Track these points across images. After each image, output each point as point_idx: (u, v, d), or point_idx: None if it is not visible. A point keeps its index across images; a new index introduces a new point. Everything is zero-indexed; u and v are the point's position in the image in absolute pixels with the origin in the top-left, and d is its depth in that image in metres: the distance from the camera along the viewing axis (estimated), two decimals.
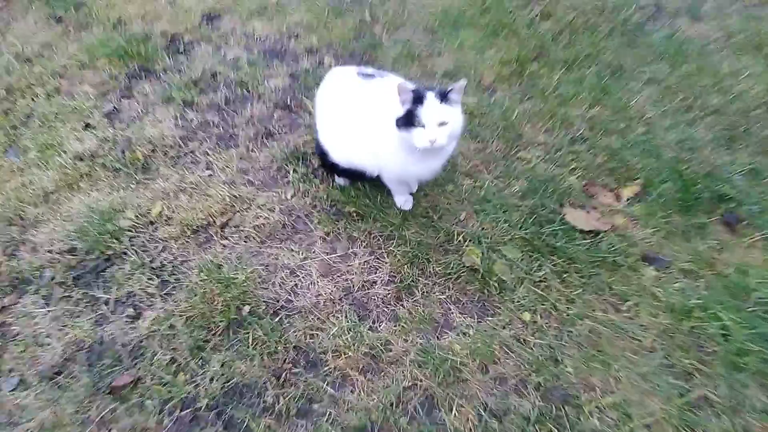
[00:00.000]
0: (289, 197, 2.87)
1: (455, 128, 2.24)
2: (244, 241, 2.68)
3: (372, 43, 3.65)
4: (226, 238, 2.69)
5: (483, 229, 2.70)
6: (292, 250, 2.66)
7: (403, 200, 2.81)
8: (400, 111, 2.26)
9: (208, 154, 3.04)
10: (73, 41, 3.69)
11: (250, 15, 3.89)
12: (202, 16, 3.84)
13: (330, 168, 2.82)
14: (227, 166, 2.99)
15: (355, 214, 2.79)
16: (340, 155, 2.68)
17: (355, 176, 2.74)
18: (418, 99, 2.19)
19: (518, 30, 3.66)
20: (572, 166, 2.95)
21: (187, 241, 2.65)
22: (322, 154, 2.77)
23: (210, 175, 2.94)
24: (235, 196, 2.84)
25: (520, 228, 2.69)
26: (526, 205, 2.79)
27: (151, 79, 3.41)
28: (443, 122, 2.18)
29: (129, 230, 2.67)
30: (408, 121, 2.21)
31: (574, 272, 2.53)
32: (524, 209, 2.77)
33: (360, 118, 2.50)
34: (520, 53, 3.49)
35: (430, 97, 2.19)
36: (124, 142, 3.04)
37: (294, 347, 2.29)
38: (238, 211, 2.79)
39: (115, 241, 2.62)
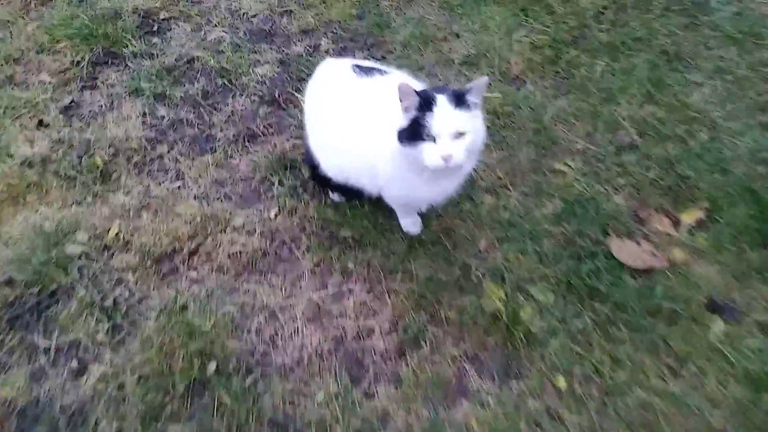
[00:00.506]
0: (272, 216, 2.40)
1: (475, 140, 1.76)
2: (217, 274, 2.22)
3: (378, 23, 3.09)
4: (195, 269, 2.24)
5: (507, 262, 2.21)
6: (274, 285, 2.20)
7: (409, 223, 2.32)
8: (403, 120, 1.77)
9: (179, 161, 2.56)
10: (33, 19, 3.20)
11: None
12: None
13: (322, 181, 2.33)
14: (201, 176, 2.51)
15: (351, 240, 2.31)
16: (332, 169, 2.18)
17: (352, 193, 2.26)
18: (426, 104, 1.71)
19: (553, 5, 3.07)
20: (619, 183, 2.42)
21: (147, 273, 2.20)
22: (313, 165, 2.28)
23: (180, 187, 2.47)
24: (208, 215, 2.37)
25: (554, 262, 2.19)
26: (561, 231, 2.28)
27: (119, 66, 2.91)
28: (460, 133, 1.71)
29: (79, 258, 2.23)
30: (414, 133, 1.73)
31: (621, 323, 2.03)
32: (559, 237, 2.27)
33: (354, 126, 2.00)
34: (556, 35, 2.91)
35: (442, 101, 1.71)
36: (81, 145, 2.58)
37: (269, 420, 1.86)
38: (211, 235, 2.33)
39: (61, 271, 2.18)
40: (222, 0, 3.24)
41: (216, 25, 3.10)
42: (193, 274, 2.23)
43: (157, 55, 2.95)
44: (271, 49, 2.98)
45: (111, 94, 2.80)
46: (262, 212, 2.41)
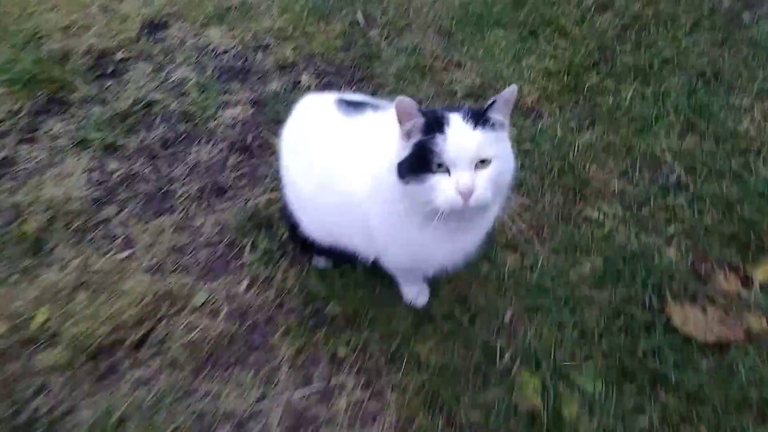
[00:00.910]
0: (242, 290, 1.93)
1: (503, 170, 1.32)
2: (169, 370, 1.74)
3: (367, 54, 2.71)
4: (141, 365, 1.76)
5: (541, 339, 1.74)
6: (243, 384, 1.71)
7: (414, 293, 1.86)
8: (404, 148, 1.34)
9: (128, 225, 2.11)
10: None
11: (207, 21, 2.98)
12: (142, 25, 2.94)
13: (304, 243, 1.88)
14: (155, 243, 2.06)
15: (341, 318, 1.84)
16: (316, 229, 1.74)
17: (342, 256, 1.81)
18: (434, 124, 1.29)
19: (567, 27, 2.70)
20: (669, 231, 1.98)
21: (78, 374, 1.72)
22: (292, 224, 1.84)
23: (128, 258, 2.01)
24: (161, 293, 1.90)
25: (601, 338, 1.73)
26: (605, 297, 1.82)
27: (64, 114, 2.50)
28: (482, 160, 1.28)
29: None
30: (419, 163, 1.30)
31: (697, 418, 1.55)
32: (603, 305, 1.81)
33: (340, 173, 1.57)
34: (573, 59, 2.53)
35: (456, 121, 1.29)
36: (10, 211, 2.14)
37: None
38: (165, 318, 1.86)
39: None
40: (189, 36, 2.86)
41: (180, 64, 2.70)
42: (139, 372, 1.74)
43: (110, 100, 2.54)
44: (243, 88, 2.58)
45: (53, 148, 2.37)
46: (230, 285, 1.95)
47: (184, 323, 1.84)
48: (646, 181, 2.11)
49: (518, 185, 2.13)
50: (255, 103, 2.51)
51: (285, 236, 2.04)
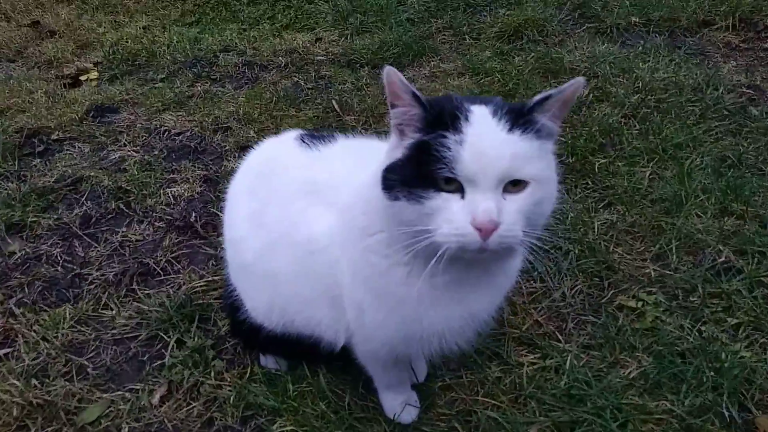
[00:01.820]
0: (156, 402, 1.41)
1: (544, 197, 0.95)
2: None
3: None
4: None
5: None
6: None
7: (398, 403, 1.37)
8: (394, 146, 0.98)
9: (13, 316, 1.63)
10: None
11: (163, 107, 2.76)
12: (88, 109, 2.70)
13: (248, 336, 1.42)
14: (45, 339, 1.56)
15: None
16: (263, 307, 1.30)
17: (298, 351, 1.34)
18: (445, 117, 0.91)
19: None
20: (730, 322, 1.57)
21: None
22: (233, 308, 1.39)
23: (3, 358, 1.50)
24: (37, 405, 1.38)
25: None
26: (665, 408, 1.35)
27: None
28: (516, 181, 0.91)
29: None
30: (417, 175, 0.93)
31: None
32: (666, 419, 1.33)
33: (299, 216, 1.18)
34: (576, 143, 2.30)
35: (482, 117, 0.92)
36: None
37: None
38: None
39: None
40: (140, 120, 2.60)
41: (125, 145, 2.41)
42: None
43: (31, 177, 2.18)
44: (195, 166, 2.25)
45: None
46: (140, 395, 1.43)
47: None
48: (689, 265, 1.75)
49: (528, 269, 1.74)
50: (206, 180, 2.17)
51: (225, 329, 1.57)
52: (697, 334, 1.52)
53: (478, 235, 0.88)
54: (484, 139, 0.89)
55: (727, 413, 1.32)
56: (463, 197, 0.90)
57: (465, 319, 1.08)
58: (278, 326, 1.31)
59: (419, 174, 0.91)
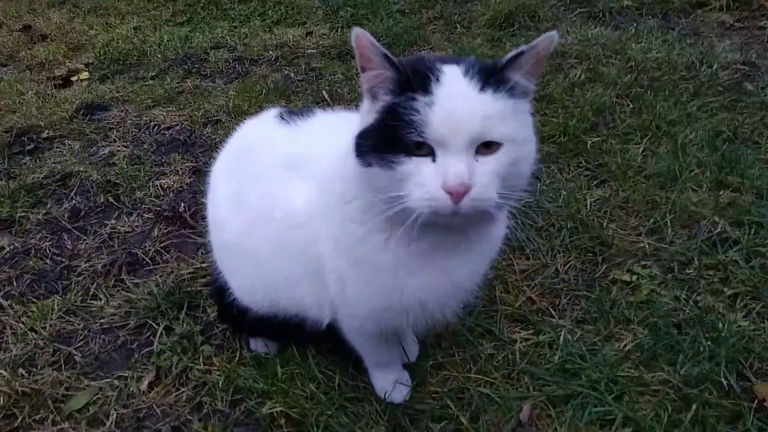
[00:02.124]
0: (144, 388, 1.40)
1: (520, 158, 0.92)
2: None
3: None
4: None
5: None
6: None
7: (389, 382, 1.35)
8: (366, 112, 0.95)
9: (1, 308, 1.62)
10: None
11: (153, 104, 2.76)
12: (78, 108, 2.70)
13: (236, 319, 1.40)
14: (33, 330, 1.55)
15: (282, 419, 1.30)
16: (247, 287, 1.29)
17: (285, 333, 1.33)
18: (415, 79, 0.88)
19: (555, 96, 2.50)
20: (728, 293, 1.54)
21: None
22: (221, 294, 1.38)
23: None
24: (23, 394, 1.36)
25: None
26: (662, 379, 1.33)
27: None
28: (488, 142, 0.89)
29: None
30: (388, 140, 0.91)
31: None
32: (663, 390, 1.30)
33: (278, 190, 1.16)
34: (567, 123, 2.28)
35: (453, 77, 0.89)
36: None
37: None
38: (19, 430, 1.30)
39: None
40: (130, 117, 2.59)
41: (114, 141, 2.40)
42: None
43: (20, 174, 2.18)
44: (184, 159, 2.24)
45: None
46: (128, 382, 1.41)
47: None
48: (684, 238, 1.72)
49: (520, 247, 1.72)
50: (195, 172, 2.15)
51: (214, 315, 1.56)
52: (693, 304, 1.49)
53: (450, 198, 0.86)
54: (454, 100, 0.87)
55: (725, 382, 1.30)
56: (434, 161, 0.88)
57: (446, 287, 1.07)
58: (263, 307, 1.29)
59: (390, 139, 0.89)
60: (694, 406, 1.25)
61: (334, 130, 1.13)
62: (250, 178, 1.24)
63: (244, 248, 1.25)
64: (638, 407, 1.27)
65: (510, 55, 0.90)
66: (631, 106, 2.42)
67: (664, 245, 1.70)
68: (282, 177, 1.17)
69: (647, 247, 1.71)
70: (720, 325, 1.42)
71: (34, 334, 1.54)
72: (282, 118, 1.27)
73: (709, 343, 1.38)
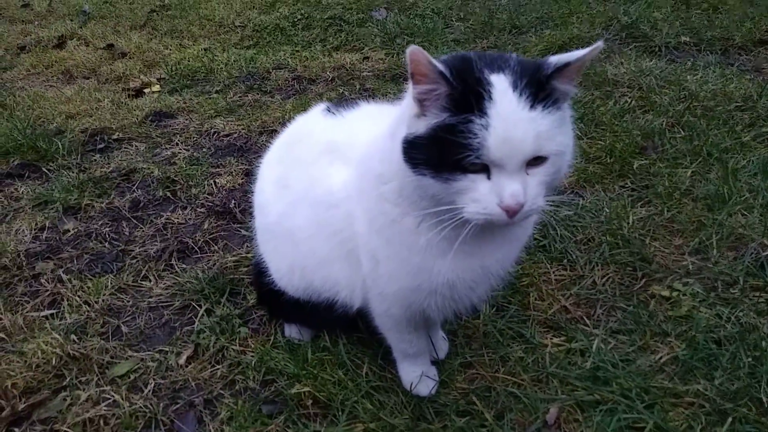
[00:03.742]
0: (182, 362, 1.46)
1: (563, 165, 0.96)
2: None
3: None
4: None
5: None
6: None
7: (415, 375, 1.36)
8: (414, 117, 0.95)
9: (62, 282, 1.73)
10: None
11: (215, 114, 2.91)
12: (147, 115, 2.89)
13: (273, 304, 1.46)
14: (87, 303, 1.65)
15: (309, 401, 1.33)
16: (285, 269, 1.34)
17: (319, 320, 1.36)
18: (469, 97, 0.89)
19: (605, 121, 2.49)
20: None
21: None
22: (261, 279, 1.43)
23: (49, 317, 1.59)
24: (72, 357, 1.45)
25: None
26: (696, 391, 1.28)
27: (36, 180, 2.29)
28: (539, 156, 0.92)
29: None
30: (442, 157, 0.93)
31: None
32: (697, 402, 1.26)
33: (318, 173, 1.22)
34: (615, 145, 2.26)
35: (503, 93, 0.89)
36: None
37: None
38: (68, 387, 1.38)
39: None
40: (193, 124, 2.76)
41: (177, 144, 2.55)
42: None
43: (90, 168, 2.34)
44: (238, 162, 2.35)
45: (7, 206, 2.11)
46: (168, 356, 1.47)
47: (91, 397, 1.35)
48: (730, 259, 1.67)
49: (558, 256, 1.71)
50: (248, 174, 2.25)
51: (253, 302, 1.61)
52: (735, 320, 1.44)
53: (506, 215, 0.90)
54: (508, 122, 0.88)
55: (765, 399, 1.24)
56: (488, 177, 0.91)
57: (476, 271, 1.08)
58: (299, 290, 1.34)
59: (445, 156, 0.91)
60: (729, 420, 1.20)
61: (376, 119, 1.19)
62: (295, 163, 1.31)
63: (285, 228, 1.31)
64: (670, 417, 1.23)
65: (555, 64, 0.91)
66: (682, 133, 2.38)
67: (708, 265, 1.65)
68: (323, 161, 1.23)
69: (690, 266, 1.66)
70: (763, 344, 1.36)
71: (87, 307, 1.64)
72: (329, 110, 1.34)
73: (749, 359, 1.32)
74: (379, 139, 1.08)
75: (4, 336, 1.52)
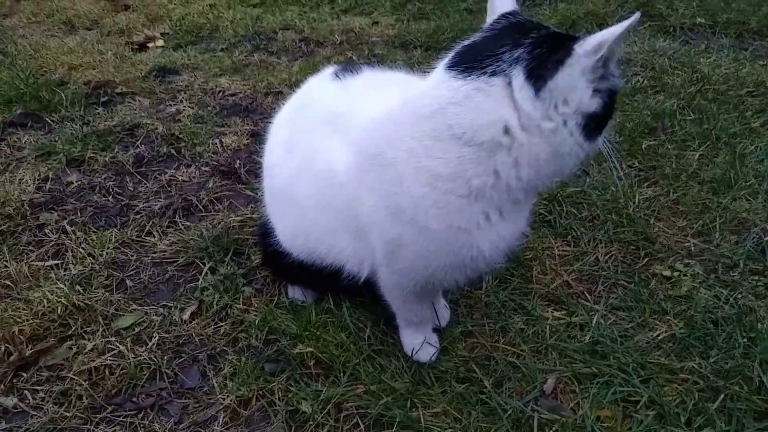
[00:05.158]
0: (185, 318, 1.48)
1: None
2: (54, 406, 1.25)
3: None
4: (17, 393, 1.27)
5: (600, 422, 1.22)
6: None
7: (417, 341, 1.39)
8: (588, 89, 0.97)
9: (66, 233, 1.74)
10: None
11: (221, 72, 2.89)
12: (151, 70, 2.86)
13: (277, 264, 1.47)
14: (91, 255, 1.67)
15: (311, 362, 1.36)
16: (289, 231, 1.36)
17: (322, 282, 1.38)
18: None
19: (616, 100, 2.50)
20: None
21: None
22: (265, 234, 1.45)
23: (53, 267, 1.61)
24: (77, 307, 1.47)
25: (690, 423, 1.20)
26: (691, 368, 1.32)
27: (39, 130, 2.28)
28: None
29: None
30: (605, 119, 1.04)
31: None
32: (691, 379, 1.30)
33: (319, 145, 1.22)
34: (625, 125, 2.27)
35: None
36: None
37: None
38: (73, 337, 1.40)
39: None
40: (198, 82, 2.73)
41: (181, 101, 2.53)
42: (12, 401, 1.25)
43: (93, 122, 2.33)
44: (243, 122, 2.35)
45: (11, 155, 2.10)
46: (172, 311, 1.50)
47: (96, 347, 1.38)
48: (731, 243, 1.70)
49: (563, 232, 1.73)
50: (253, 134, 2.25)
51: (257, 262, 1.63)
52: (733, 302, 1.47)
53: None
54: None
55: (757, 378, 1.28)
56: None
57: (515, 236, 1.14)
58: (303, 253, 1.35)
59: (605, 120, 1.03)
60: (721, 397, 1.24)
61: (377, 93, 1.19)
62: (301, 128, 1.31)
63: (290, 194, 1.31)
64: (664, 392, 1.27)
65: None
66: (692, 115, 2.38)
67: (710, 247, 1.68)
68: (324, 131, 1.23)
69: (692, 247, 1.69)
70: (759, 325, 1.40)
71: (91, 259, 1.66)
72: (336, 75, 1.34)
73: (744, 340, 1.36)
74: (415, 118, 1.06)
75: (9, 283, 1.54)
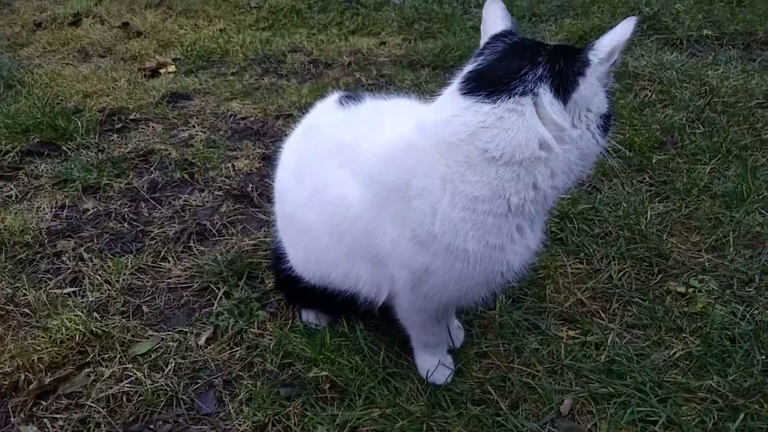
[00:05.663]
0: (201, 343, 1.50)
1: None
2: None
3: None
4: (37, 421, 1.29)
5: None
6: None
7: (432, 363, 1.39)
8: (596, 91, 1.05)
9: (82, 260, 1.77)
10: None
11: (231, 96, 2.94)
12: (164, 95, 2.91)
13: (291, 290, 1.49)
14: (108, 282, 1.69)
15: (327, 386, 1.36)
16: (301, 257, 1.37)
17: (336, 306, 1.39)
18: None
19: (624, 114, 2.50)
20: None
21: None
22: (278, 264, 1.46)
23: (70, 295, 1.63)
24: (95, 334, 1.49)
25: None
26: (709, 387, 1.31)
27: (55, 159, 2.33)
28: None
29: None
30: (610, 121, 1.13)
31: None
32: (710, 397, 1.29)
33: (330, 175, 1.24)
34: (634, 139, 2.27)
35: None
36: None
37: None
38: (91, 364, 1.42)
39: None
40: (209, 106, 2.78)
41: (194, 126, 2.57)
42: (32, 430, 1.27)
43: (108, 149, 2.37)
44: (255, 146, 2.38)
45: (28, 184, 2.14)
46: (188, 336, 1.51)
47: (114, 374, 1.39)
48: (746, 257, 1.69)
49: (575, 249, 1.73)
50: (265, 158, 2.28)
51: (271, 285, 1.65)
52: (750, 318, 1.46)
53: None
54: None
55: None
56: None
57: (533, 250, 1.17)
58: (315, 278, 1.36)
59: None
60: (741, 416, 1.23)
61: (379, 122, 1.22)
62: (308, 156, 1.33)
63: (301, 221, 1.33)
64: (683, 412, 1.26)
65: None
66: (702, 129, 2.38)
67: (724, 262, 1.67)
68: (332, 162, 1.24)
69: (706, 263, 1.68)
70: None
71: (108, 286, 1.68)
72: (341, 102, 1.36)
73: (763, 357, 1.35)
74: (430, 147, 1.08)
75: (28, 311, 1.57)
